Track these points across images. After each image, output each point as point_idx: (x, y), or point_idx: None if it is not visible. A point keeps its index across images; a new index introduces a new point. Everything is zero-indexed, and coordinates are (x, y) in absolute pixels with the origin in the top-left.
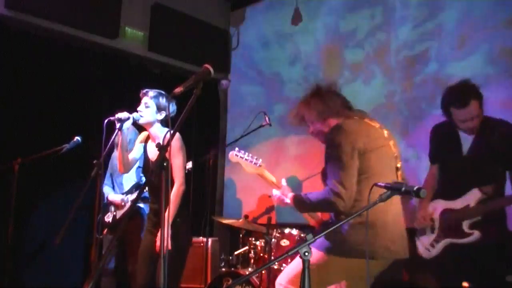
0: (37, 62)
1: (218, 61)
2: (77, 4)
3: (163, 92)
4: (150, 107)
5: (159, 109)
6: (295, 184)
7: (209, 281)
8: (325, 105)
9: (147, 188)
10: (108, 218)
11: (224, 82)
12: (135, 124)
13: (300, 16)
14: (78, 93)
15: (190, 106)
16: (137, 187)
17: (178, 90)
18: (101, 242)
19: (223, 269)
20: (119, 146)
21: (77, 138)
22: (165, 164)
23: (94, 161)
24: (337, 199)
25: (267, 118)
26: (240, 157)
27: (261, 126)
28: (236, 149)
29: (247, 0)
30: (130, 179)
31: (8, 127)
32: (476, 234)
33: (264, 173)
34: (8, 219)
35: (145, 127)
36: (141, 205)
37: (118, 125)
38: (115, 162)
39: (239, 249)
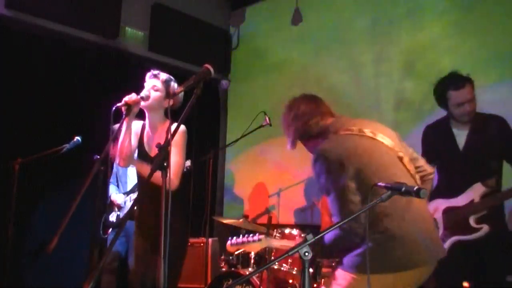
0: (37, 62)
1: (218, 61)
2: (77, 4)
3: (173, 78)
4: (159, 92)
5: (168, 96)
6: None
7: (209, 281)
8: (305, 127)
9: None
10: (112, 217)
11: (224, 82)
12: None
13: (300, 16)
14: (78, 93)
15: (190, 106)
16: None
17: (178, 90)
18: (105, 242)
19: (223, 269)
20: (122, 135)
21: (77, 138)
22: (165, 164)
23: (95, 157)
24: (357, 237)
25: (267, 118)
26: (239, 242)
27: (261, 126)
28: (230, 240)
29: (247, 0)
30: (134, 177)
31: (8, 127)
32: (485, 228)
33: (272, 243)
34: (8, 219)
35: (147, 114)
36: None
37: (125, 112)
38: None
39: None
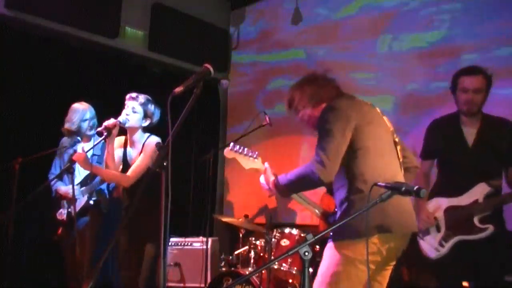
0: (37, 62)
1: (218, 61)
2: (77, 4)
3: (150, 98)
4: (137, 113)
5: (146, 116)
6: None
7: (209, 280)
8: (318, 90)
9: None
10: (62, 215)
11: (224, 82)
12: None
13: (300, 15)
14: (78, 92)
15: (190, 106)
16: (93, 177)
17: (178, 89)
18: (57, 242)
19: (223, 269)
20: (106, 154)
21: (77, 137)
22: (165, 164)
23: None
24: (319, 168)
25: (267, 118)
26: (235, 151)
27: (261, 126)
28: (231, 144)
29: (247, 0)
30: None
31: (9, 126)
32: (490, 228)
33: (260, 167)
34: (8, 219)
35: (128, 132)
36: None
37: (105, 133)
38: (65, 156)
39: (239, 249)
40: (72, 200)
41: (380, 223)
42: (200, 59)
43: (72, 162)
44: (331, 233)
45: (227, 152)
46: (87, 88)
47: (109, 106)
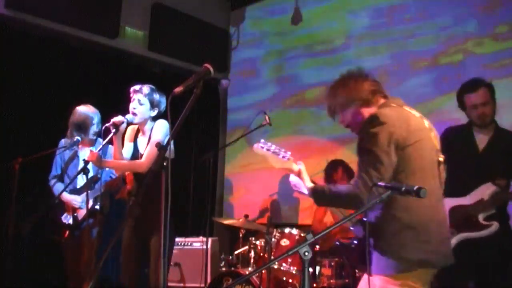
0: (37, 62)
1: (218, 61)
2: (77, 4)
3: (154, 87)
4: (144, 105)
5: (153, 105)
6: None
7: (209, 281)
8: (350, 92)
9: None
10: (67, 219)
11: (224, 81)
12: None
13: (300, 15)
14: (78, 92)
15: (190, 106)
16: (96, 180)
17: (178, 89)
18: (62, 245)
19: (223, 269)
20: (114, 150)
21: (77, 137)
22: (165, 164)
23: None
24: (364, 194)
25: (267, 118)
26: (267, 149)
27: (261, 125)
28: (262, 140)
29: (247, 0)
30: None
31: (9, 126)
32: (495, 224)
33: (293, 167)
34: (8, 219)
35: (138, 125)
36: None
37: (113, 130)
38: (66, 157)
39: (239, 249)
40: (77, 208)
41: (423, 257)
42: (200, 59)
43: (86, 163)
44: (377, 267)
45: (256, 149)
46: (87, 88)
47: (109, 106)
